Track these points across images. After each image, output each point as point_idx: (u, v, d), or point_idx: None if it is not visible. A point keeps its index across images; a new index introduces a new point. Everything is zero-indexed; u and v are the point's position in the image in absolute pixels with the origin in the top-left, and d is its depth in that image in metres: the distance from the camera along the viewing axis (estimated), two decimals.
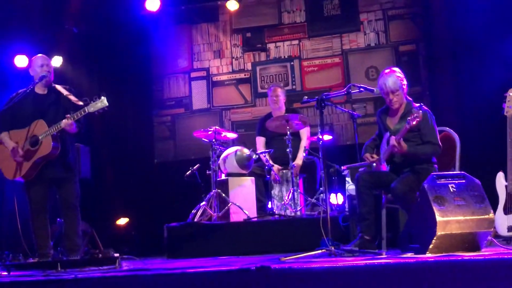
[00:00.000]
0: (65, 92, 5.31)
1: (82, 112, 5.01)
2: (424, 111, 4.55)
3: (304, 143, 6.91)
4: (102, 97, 5.01)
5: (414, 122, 4.44)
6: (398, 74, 4.84)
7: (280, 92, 7.14)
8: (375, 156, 4.99)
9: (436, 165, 4.82)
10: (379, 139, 5.10)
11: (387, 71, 4.89)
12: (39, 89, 5.37)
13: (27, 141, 5.15)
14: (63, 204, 5.31)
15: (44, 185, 5.26)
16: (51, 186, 5.29)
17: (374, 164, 5.00)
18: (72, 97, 5.27)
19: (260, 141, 7.20)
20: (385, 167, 4.86)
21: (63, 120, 5.02)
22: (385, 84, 4.81)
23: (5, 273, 4.22)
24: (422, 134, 4.71)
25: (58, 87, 5.38)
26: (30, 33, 8.07)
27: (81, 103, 5.15)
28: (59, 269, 4.18)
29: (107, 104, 5.00)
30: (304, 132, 6.99)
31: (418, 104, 4.69)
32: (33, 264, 4.52)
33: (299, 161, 6.76)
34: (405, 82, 4.86)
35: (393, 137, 4.62)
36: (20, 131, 5.22)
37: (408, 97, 4.97)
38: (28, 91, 5.26)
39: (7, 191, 6.78)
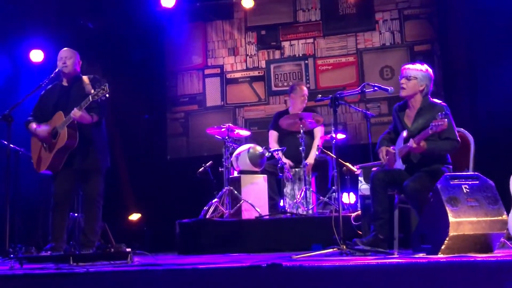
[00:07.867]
0: (86, 82, 5.29)
1: (87, 101, 4.98)
2: (441, 106, 4.49)
3: (317, 141, 6.88)
4: (104, 86, 4.95)
5: (437, 129, 4.32)
6: (428, 72, 4.73)
7: (306, 92, 7.11)
8: (390, 150, 4.85)
9: (451, 166, 4.77)
10: (394, 133, 4.98)
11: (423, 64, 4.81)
12: (64, 82, 5.39)
13: (50, 134, 5.18)
14: (85, 199, 5.30)
15: (70, 177, 5.24)
16: (77, 179, 5.27)
17: (387, 157, 4.88)
18: (88, 87, 5.24)
19: (273, 135, 7.14)
20: (399, 165, 4.78)
21: (72, 111, 5.00)
22: (407, 66, 4.75)
23: (18, 265, 4.25)
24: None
25: (84, 77, 5.36)
26: (46, 28, 8.11)
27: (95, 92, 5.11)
28: (72, 262, 4.19)
29: (108, 91, 4.92)
30: (318, 131, 6.97)
31: (439, 102, 4.65)
32: (45, 257, 4.54)
33: (311, 160, 6.74)
34: (429, 82, 4.73)
35: (412, 140, 4.50)
36: (45, 124, 5.24)
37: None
38: (51, 85, 5.36)
39: (22, 186, 6.81)
